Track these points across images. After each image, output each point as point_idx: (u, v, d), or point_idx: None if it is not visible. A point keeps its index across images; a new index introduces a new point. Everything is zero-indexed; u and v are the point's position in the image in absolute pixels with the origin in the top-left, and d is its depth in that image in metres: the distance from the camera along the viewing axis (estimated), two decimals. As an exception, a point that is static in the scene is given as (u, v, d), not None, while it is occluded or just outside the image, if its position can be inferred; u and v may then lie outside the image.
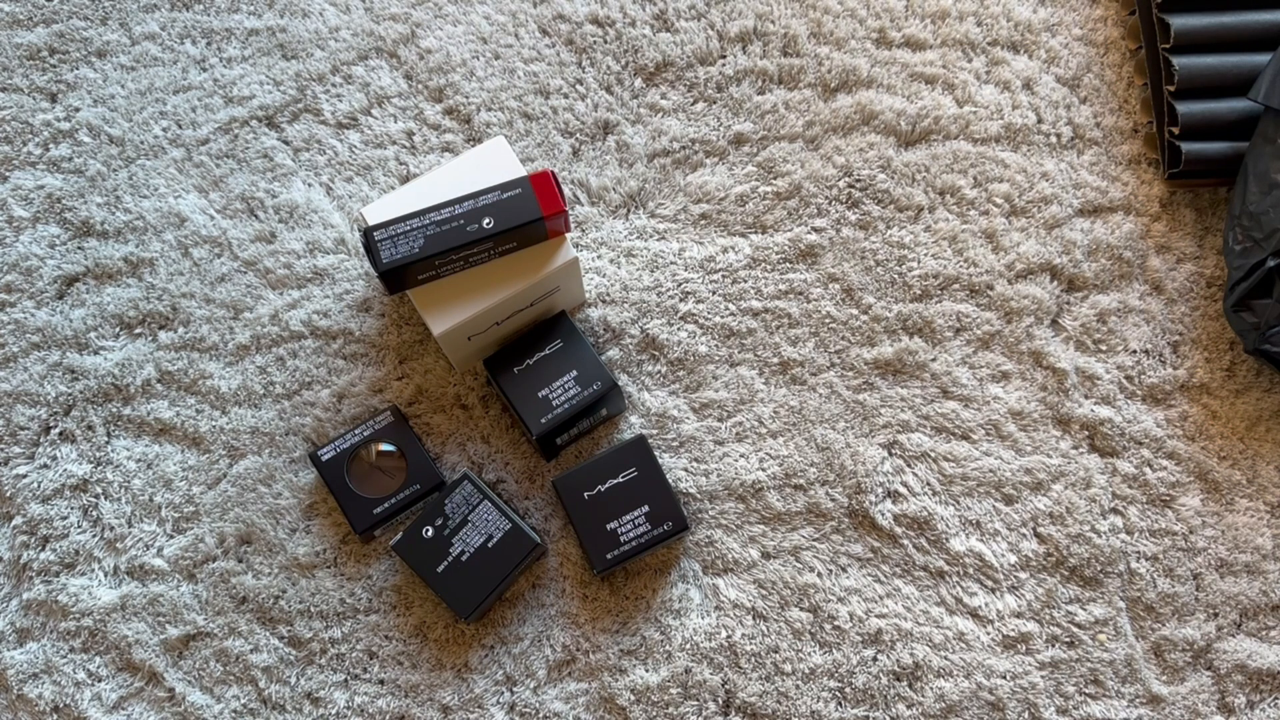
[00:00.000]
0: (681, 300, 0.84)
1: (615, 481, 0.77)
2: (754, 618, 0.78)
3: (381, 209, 0.75)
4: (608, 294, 0.84)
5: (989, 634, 0.78)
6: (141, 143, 0.88)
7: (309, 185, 0.87)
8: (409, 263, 0.71)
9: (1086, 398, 0.82)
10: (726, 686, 0.77)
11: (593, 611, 0.79)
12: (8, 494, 0.81)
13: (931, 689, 0.77)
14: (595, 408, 0.78)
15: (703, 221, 0.86)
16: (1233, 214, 0.78)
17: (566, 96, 0.89)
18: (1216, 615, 0.78)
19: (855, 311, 0.84)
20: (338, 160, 0.88)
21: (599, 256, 0.85)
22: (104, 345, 0.84)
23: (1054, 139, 0.87)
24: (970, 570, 0.79)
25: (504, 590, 0.77)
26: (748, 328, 0.84)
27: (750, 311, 0.84)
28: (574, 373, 0.77)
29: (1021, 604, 0.78)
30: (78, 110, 0.89)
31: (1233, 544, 0.79)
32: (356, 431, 0.80)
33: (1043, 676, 0.77)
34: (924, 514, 0.80)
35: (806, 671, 0.77)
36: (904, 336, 0.83)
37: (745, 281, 0.84)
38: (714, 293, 0.84)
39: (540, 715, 0.77)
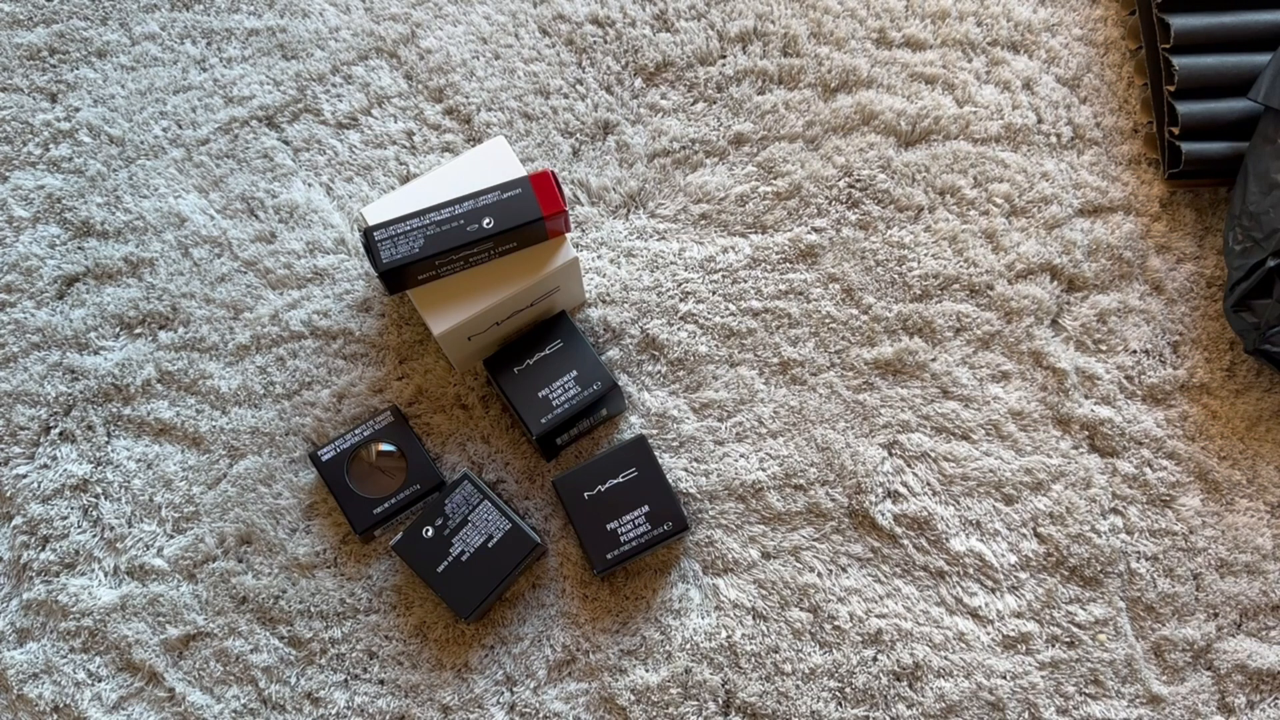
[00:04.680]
0: (681, 300, 0.84)
1: (615, 481, 0.77)
2: (754, 618, 0.78)
3: (381, 209, 0.76)
4: (608, 294, 0.84)
5: (989, 634, 0.78)
6: (141, 143, 0.88)
7: (309, 185, 0.87)
8: (409, 263, 0.71)
9: (1086, 398, 0.82)
10: (726, 686, 0.77)
11: (593, 611, 0.79)
12: (8, 494, 0.81)
13: (931, 689, 0.77)
14: (595, 408, 0.78)
15: (703, 221, 0.86)
16: (1233, 214, 0.78)
17: (566, 96, 0.89)
18: (1216, 615, 0.78)
19: (855, 311, 0.84)
20: (338, 160, 0.88)
21: (599, 256, 0.85)
22: (104, 345, 0.84)
23: (1054, 139, 0.87)
24: (970, 570, 0.79)
25: (504, 590, 0.77)
26: (748, 328, 0.84)
27: (750, 311, 0.84)
28: (574, 373, 0.77)
29: (1021, 604, 0.78)
30: (78, 110, 0.89)
31: (1233, 544, 0.79)
32: (356, 431, 0.80)
33: (1043, 676, 0.77)
34: (924, 514, 0.80)
35: (806, 671, 0.77)
36: (904, 336, 0.83)
37: (745, 281, 0.84)
38: (714, 293, 0.84)
39: (540, 715, 0.77)
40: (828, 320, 0.84)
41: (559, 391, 0.77)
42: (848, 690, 0.77)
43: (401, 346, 0.83)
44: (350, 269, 0.85)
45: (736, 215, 0.86)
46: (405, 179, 0.87)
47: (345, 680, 0.78)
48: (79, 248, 0.86)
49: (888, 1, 0.90)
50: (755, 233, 0.86)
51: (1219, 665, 0.77)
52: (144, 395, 0.83)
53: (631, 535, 0.76)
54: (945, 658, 0.77)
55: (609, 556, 0.76)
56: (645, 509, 0.76)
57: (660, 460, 0.81)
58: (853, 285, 0.84)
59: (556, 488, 0.77)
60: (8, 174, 0.88)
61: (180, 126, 0.89)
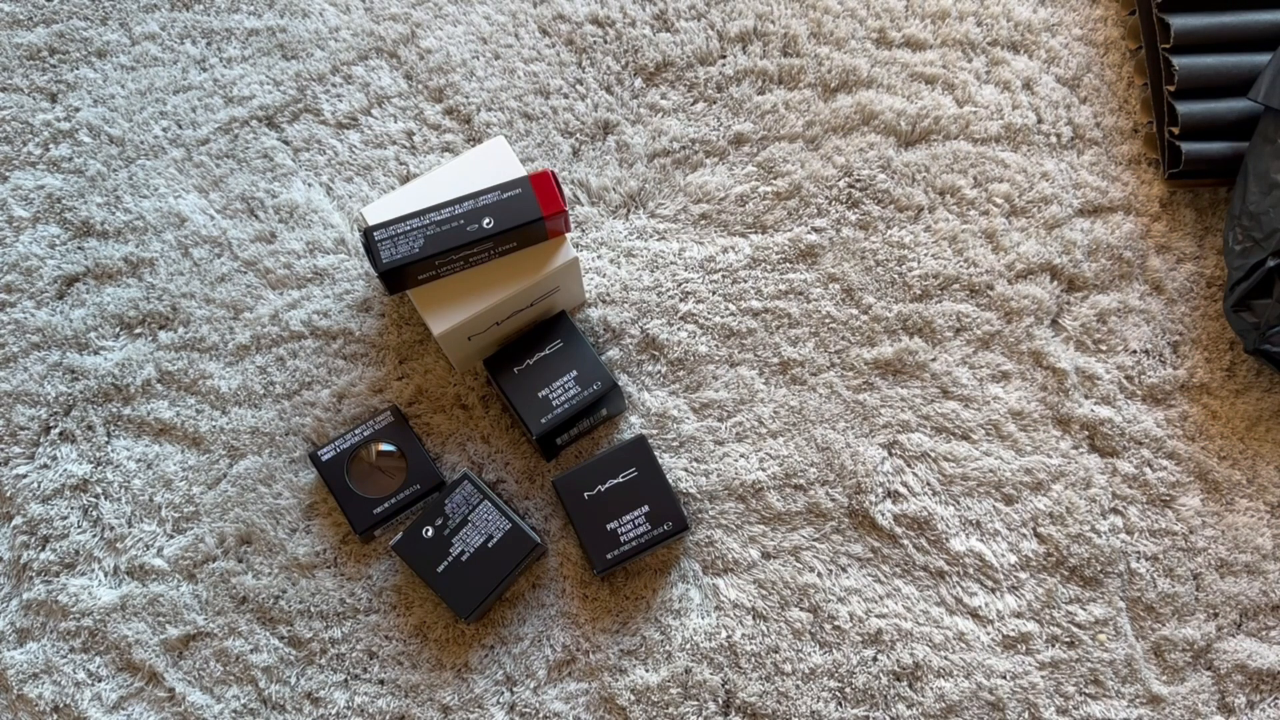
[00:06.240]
0: (681, 300, 0.84)
1: (615, 481, 0.77)
2: (754, 618, 0.78)
3: (381, 209, 0.76)
4: (608, 294, 0.84)
5: (989, 634, 0.78)
6: (141, 143, 0.88)
7: (309, 185, 0.87)
8: (409, 263, 0.71)
9: (1086, 398, 0.82)
10: (726, 686, 0.77)
11: (593, 611, 0.79)
12: (8, 494, 0.81)
13: (931, 689, 0.77)
14: (595, 408, 0.78)
15: (703, 221, 0.86)
16: (1233, 214, 0.78)
17: (566, 96, 0.89)
18: (1216, 615, 0.78)
19: (855, 311, 0.84)
20: (338, 160, 0.88)
21: (599, 256, 0.85)
22: (104, 345, 0.84)
23: (1054, 139, 0.87)
24: (970, 570, 0.79)
25: (504, 590, 0.77)
26: (748, 328, 0.84)
27: (750, 311, 0.84)
28: (574, 373, 0.77)
29: (1021, 604, 0.78)
30: (78, 110, 0.89)
31: (1233, 544, 0.79)
32: (356, 431, 0.80)
33: (1043, 676, 0.77)
34: (924, 514, 0.80)
35: (806, 671, 0.77)
36: (904, 336, 0.83)
37: (745, 281, 0.84)
38: (714, 293, 0.84)
39: (540, 715, 0.77)
40: (828, 320, 0.84)
41: (559, 391, 0.77)
42: (848, 690, 0.77)
43: (401, 346, 0.83)
44: (350, 269, 0.85)
45: (736, 215, 0.86)
46: (405, 179, 0.87)
47: (345, 680, 0.78)
48: (79, 248, 0.86)
49: (888, 1, 0.90)
50: (755, 233, 0.86)
51: (1219, 665, 0.77)
52: (144, 395, 0.83)
53: (631, 535, 0.76)
54: (945, 658, 0.77)
55: (609, 556, 0.76)
56: (645, 509, 0.76)
57: (660, 460, 0.81)
58: (853, 285, 0.84)
59: (556, 488, 0.77)
60: (8, 174, 0.88)
61: (180, 126, 0.89)
